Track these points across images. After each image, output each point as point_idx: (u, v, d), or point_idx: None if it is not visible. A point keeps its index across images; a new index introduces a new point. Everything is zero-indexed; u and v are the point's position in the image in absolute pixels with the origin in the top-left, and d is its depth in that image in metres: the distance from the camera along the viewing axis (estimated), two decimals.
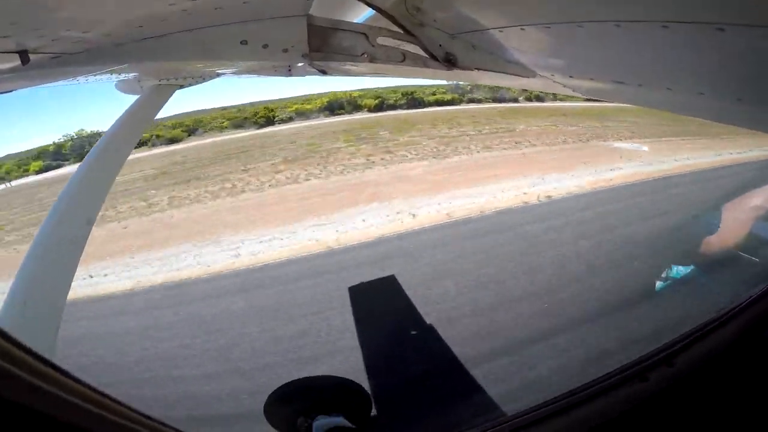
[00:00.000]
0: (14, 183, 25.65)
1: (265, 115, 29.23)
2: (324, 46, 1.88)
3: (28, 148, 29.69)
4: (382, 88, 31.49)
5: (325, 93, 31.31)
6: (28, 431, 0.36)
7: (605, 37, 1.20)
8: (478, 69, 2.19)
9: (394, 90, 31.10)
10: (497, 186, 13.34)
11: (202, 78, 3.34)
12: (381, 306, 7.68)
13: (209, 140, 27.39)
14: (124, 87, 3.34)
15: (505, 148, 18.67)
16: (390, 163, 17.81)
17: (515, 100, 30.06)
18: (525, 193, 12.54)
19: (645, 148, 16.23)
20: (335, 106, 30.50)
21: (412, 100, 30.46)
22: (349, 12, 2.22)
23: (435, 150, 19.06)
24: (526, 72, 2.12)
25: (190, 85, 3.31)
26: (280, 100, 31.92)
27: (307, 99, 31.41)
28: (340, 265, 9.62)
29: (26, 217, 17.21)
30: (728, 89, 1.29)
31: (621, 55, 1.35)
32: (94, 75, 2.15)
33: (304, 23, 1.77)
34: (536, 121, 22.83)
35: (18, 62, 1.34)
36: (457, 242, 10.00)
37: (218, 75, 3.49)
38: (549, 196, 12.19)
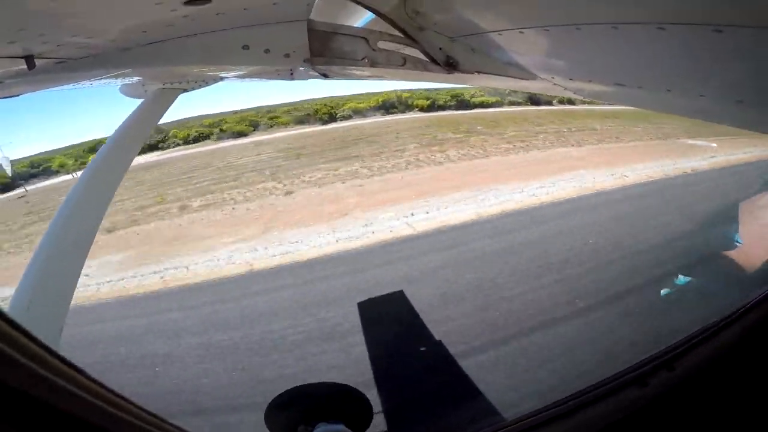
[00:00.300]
0: (77, 174, 26.63)
1: (327, 112, 31.28)
2: (325, 50, 1.90)
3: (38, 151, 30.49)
4: (407, 90, 32.57)
5: (378, 93, 32.71)
6: (32, 419, 0.37)
7: (603, 39, 1.20)
8: (479, 72, 2.19)
9: (439, 92, 32.39)
10: (654, 163, 16.07)
11: (206, 82, 3.38)
12: (391, 320, 7.69)
13: (277, 134, 29.19)
14: (129, 91, 3.38)
15: (615, 143, 20.72)
16: (537, 149, 20.27)
17: (550, 103, 31.03)
18: (676, 167, 15.53)
19: (714, 144, 18.07)
20: (388, 105, 32.28)
21: (461, 101, 32.02)
22: (349, 16, 2.23)
23: (557, 141, 21.57)
24: (526, 75, 2.12)
25: (194, 88, 3.35)
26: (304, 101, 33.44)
27: (340, 100, 32.82)
28: (637, 193, 12.98)
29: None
30: (728, 91, 1.29)
31: (619, 57, 1.35)
32: (99, 79, 2.18)
33: (304, 28, 1.79)
34: (601, 123, 24.74)
35: (24, 67, 1.36)
36: (697, 184, 13.41)
37: (222, 79, 3.52)
38: (694, 169, 15.24)
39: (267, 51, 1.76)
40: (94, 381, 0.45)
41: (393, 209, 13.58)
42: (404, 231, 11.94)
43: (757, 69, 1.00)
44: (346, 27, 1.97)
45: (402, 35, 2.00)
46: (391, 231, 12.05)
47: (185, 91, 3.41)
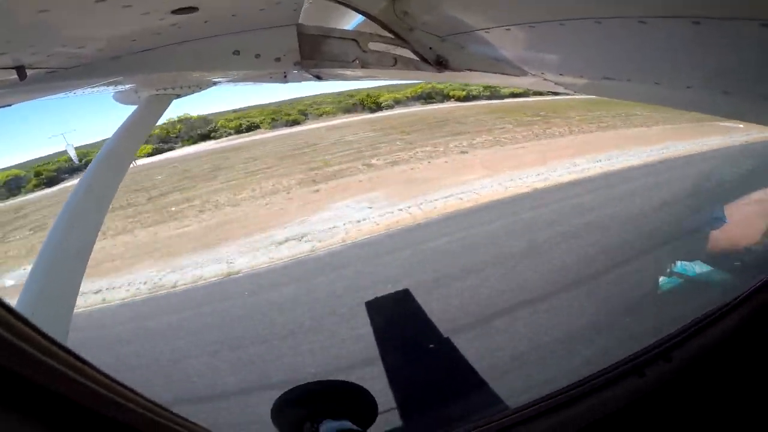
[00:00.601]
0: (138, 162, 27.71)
1: (373, 102, 32.99)
2: (316, 53, 1.91)
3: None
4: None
5: (415, 84, 33.83)
6: (38, 407, 0.40)
7: (587, 35, 1.21)
8: (469, 70, 2.20)
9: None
10: (720, 137, 17.46)
11: (199, 87, 3.38)
12: (398, 319, 7.76)
13: (336, 121, 31.01)
14: (122, 98, 3.38)
15: (670, 124, 21.84)
16: (618, 128, 22.02)
17: (568, 94, 31.90)
18: (741, 139, 16.84)
19: (741, 125, 19.37)
20: (424, 95, 33.86)
21: (493, 92, 33.37)
22: (340, 19, 2.24)
23: (624, 124, 23.16)
24: (516, 71, 2.13)
25: (187, 94, 3.35)
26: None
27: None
28: (737, 151, 15.03)
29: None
30: (714, 82, 1.30)
31: (605, 52, 1.36)
32: (92, 87, 2.19)
33: (294, 32, 1.80)
34: (640, 109, 25.94)
35: (15, 77, 1.37)
36: None
37: (214, 84, 3.53)
38: (755, 140, 16.60)
39: (258, 56, 1.77)
40: (96, 370, 0.46)
41: (577, 160, 15.72)
42: (610, 168, 14.39)
43: (740, 60, 1.01)
44: (336, 30, 1.98)
45: (392, 36, 2.01)
46: (600, 168, 14.37)
47: (178, 96, 3.42)
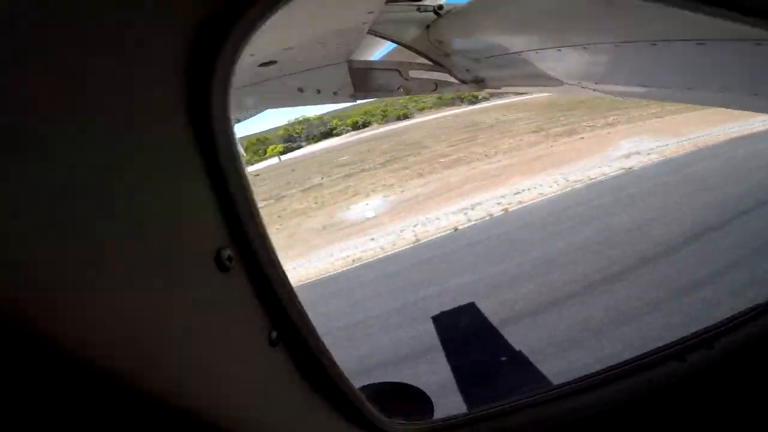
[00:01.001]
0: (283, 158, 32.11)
1: (473, 96, 35.64)
2: (365, 86, 2.17)
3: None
4: None
5: None
6: None
7: (611, 55, 1.36)
8: (507, 85, 2.37)
9: None
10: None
11: (255, 112, 3.79)
12: (466, 332, 7.72)
13: (440, 114, 34.25)
14: None
15: (718, 114, 22.01)
16: (692, 111, 21.94)
17: None
18: None
19: None
20: None
21: None
22: (372, 47, 2.47)
23: (688, 109, 23.23)
24: (552, 83, 2.26)
25: (246, 118, 3.76)
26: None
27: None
28: None
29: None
30: (746, 88, 1.38)
31: (641, 68, 1.48)
32: None
33: (345, 68, 2.07)
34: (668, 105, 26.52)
35: None
36: None
37: (266, 107, 3.93)
38: None
39: (318, 92, 2.06)
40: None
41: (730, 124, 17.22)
42: (751, 131, 15.67)
43: (742, 72, 1.12)
44: (379, 62, 2.24)
45: (430, 62, 2.23)
46: (747, 130, 15.81)
47: (238, 121, 3.85)
